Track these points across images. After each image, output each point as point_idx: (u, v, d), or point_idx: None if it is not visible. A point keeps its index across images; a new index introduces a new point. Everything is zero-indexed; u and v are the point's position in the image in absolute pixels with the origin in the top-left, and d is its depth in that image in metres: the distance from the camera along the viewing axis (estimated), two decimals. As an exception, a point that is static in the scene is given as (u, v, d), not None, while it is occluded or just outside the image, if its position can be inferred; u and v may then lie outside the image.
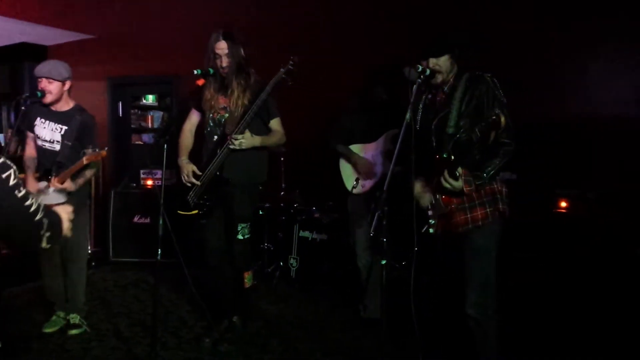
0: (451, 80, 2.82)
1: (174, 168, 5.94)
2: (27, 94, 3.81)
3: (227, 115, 3.57)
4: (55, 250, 3.81)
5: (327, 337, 3.81)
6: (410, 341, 3.22)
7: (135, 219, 5.85)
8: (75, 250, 3.88)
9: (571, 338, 3.53)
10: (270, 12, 5.91)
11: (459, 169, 2.59)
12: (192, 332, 3.86)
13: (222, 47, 3.45)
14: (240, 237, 3.61)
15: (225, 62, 3.47)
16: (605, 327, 3.52)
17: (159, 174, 5.97)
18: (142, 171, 6.12)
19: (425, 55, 2.77)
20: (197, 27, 6.33)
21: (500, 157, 2.65)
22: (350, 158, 4.03)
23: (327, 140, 4.16)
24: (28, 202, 1.70)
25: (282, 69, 3.43)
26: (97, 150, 3.58)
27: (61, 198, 3.58)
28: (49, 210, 1.81)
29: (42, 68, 3.64)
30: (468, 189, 2.62)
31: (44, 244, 1.77)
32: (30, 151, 3.85)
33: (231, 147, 3.44)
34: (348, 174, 4.08)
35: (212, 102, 3.60)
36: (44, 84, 3.63)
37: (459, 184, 2.60)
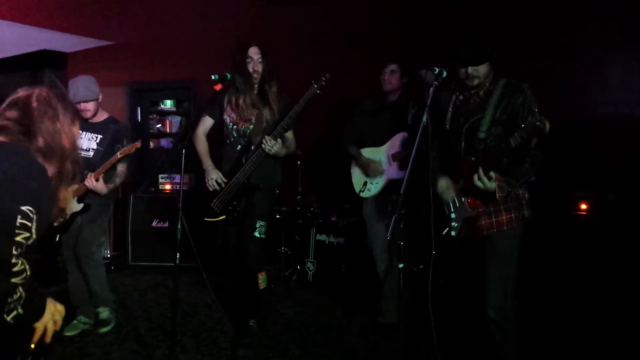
0: (487, 84, 2.78)
1: (193, 172, 6.04)
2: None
3: (251, 127, 3.68)
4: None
5: (345, 341, 3.80)
6: (428, 346, 3.20)
7: (154, 224, 5.90)
8: (88, 245, 3.92)
9: (591, 343, 3.48)
10: (284, 16, 5.94)
11: (492, 173, 2.57)
12: (211, 336, 3.88)
13: (255, 52, 3.62)
14: (257, 234, 3.67)
15: (259, 66, 3.62)
16: (626, 332, 3.47)
17: (177, 178, 6.01)
18: (160, 176, 6.17)
19: (465, 63, 2.73)
20: (214, 33, 6.40)
21: (528, 168, 2.63)
22: (360, 160, 4.03)
23: (340, 143, 4.17)
24: (14, 259, 1.65)
25: (314, 85, 3.56)
26: (130, 144, 3.75)
27: (78, 206, 3.79)
28: (36, 292, 1.74)
29: (76, 94, 3.80)
30: (500, 194, 2.59)
31: (8, 317, 1.64)
32: None
33: (263, 145, 3.53)
34: (357, 177, 4.08)
35: (237, 115, 3.70)
36: (82, 106, 3.83)
37: (492, 185, 2.58)
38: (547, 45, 4.54)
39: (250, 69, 3.62)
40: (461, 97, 2.89)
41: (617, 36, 4.35)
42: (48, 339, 1.78)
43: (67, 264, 4.03)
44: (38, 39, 6.76)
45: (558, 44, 4.52)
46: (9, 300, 1.63)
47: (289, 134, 3.80)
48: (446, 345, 3.02)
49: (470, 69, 2.72)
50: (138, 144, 3.77)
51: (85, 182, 3.74)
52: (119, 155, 3.74)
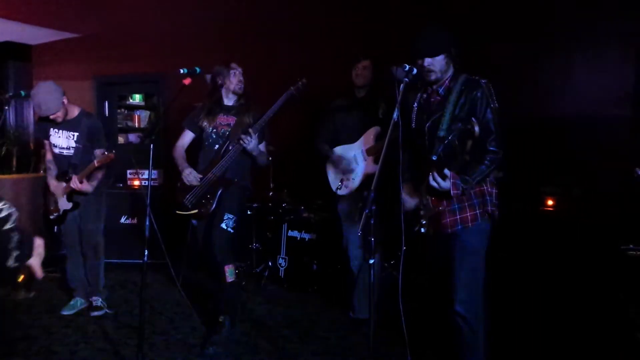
0: (447, 82, 2.79)
1: (161, 168, 5.96)
2: (11, 94, 3.92)
3: (229, 130, 3.82)
4: (76, 240, 4.21)
5: (316, 337, 3.80)
6: (399, 341, 3.22)
7: (122, 220, 5.81)
8: (93, 235, 4.20)
9: (557, 337, 3.56)
10: (254, 9, 5.89)
11: (446, 170, 2.58)
12: (180, 333, 3.83)
13: (240, 72, 3.85)
14: (224, 226, 3.68)
15: (243, 83, 3.84)
16: (590, 327, 3.54)
17: (145, 174, 5.93)
18: (128, 171, 6.08)
19: (420, 54, 2.74)
20: (183, 27, 6.31)
21: (487, 165, 2.65)
22: (330, 158, 4.05)
23: (314, 142, 4.17)
24: None
25: (292, 87, 3.79)
26: (105, 152, 3.93)
27: (69, 205, 4.04)
28: (25, 232, 1.73)
29: (40, 108, 3.85)
30: (455, 192, 2.61)
31: (10, 262, 1.66)
32: (49, 155, 4.23)
33: (242, 141, 3.65)
34: (333, 176, 4.09)
35: (217, 121, 3.85)
36: (51, 116, 3.92)
37: (446, 184, 2.60)
38: (515, 45, 4.60)
39: (235, 81, 3.80)
40: (424, 96, 2.91)
41: (583, 37, 4.43)
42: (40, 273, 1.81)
43: (67, 251, 4.30)
44: (1, 30, 6.56)
45: (526, 44, 4.58)
46: (9, 246, 1.65)
47: (264, 147, 3.91)
48: (417, 341, 3.04)
49: (426, 62, 2.73)
50: (112, 156, 3.89)
51: (71, 185, 3.94)
52: (96, 164, 3.88)
